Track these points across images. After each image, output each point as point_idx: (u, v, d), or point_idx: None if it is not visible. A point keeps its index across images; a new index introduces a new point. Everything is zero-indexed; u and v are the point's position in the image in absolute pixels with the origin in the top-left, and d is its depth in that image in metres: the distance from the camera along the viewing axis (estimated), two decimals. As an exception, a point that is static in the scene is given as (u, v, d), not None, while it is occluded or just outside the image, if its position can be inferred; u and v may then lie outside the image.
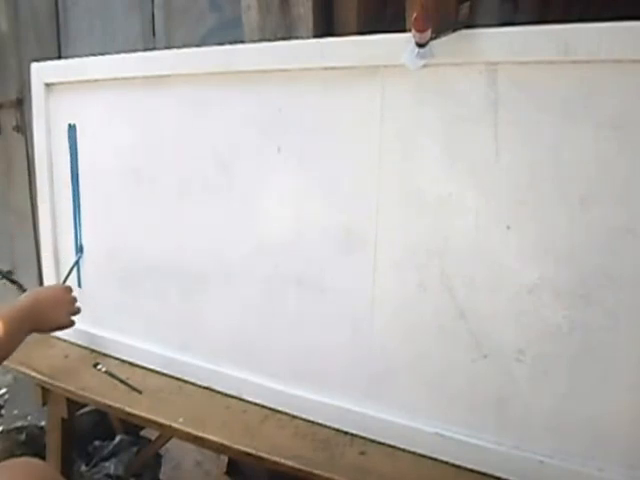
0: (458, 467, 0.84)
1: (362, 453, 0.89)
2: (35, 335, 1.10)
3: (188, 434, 0.96)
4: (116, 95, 1.11)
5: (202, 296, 1.07)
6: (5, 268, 2.62)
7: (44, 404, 1.22)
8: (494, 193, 0.78)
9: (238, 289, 1.02)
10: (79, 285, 1.24)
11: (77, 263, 1.23)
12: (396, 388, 0.89)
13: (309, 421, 0.96)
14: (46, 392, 1.20)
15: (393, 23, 0.95)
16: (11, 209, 2.50)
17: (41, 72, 1.22)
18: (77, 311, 1.12)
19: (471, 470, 0.83)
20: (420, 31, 0.71)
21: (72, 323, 1.11)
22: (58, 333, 1.27)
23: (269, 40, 1.04)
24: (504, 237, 0.78)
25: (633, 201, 0.70)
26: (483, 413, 0.83)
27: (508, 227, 0.78)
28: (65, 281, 1.21)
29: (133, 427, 1.59)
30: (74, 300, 1.12)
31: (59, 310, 1.07)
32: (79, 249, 1.23)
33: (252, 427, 0.96)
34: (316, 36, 1.10)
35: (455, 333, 0.83)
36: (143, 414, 1.01)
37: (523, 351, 0.79)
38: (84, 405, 1.23)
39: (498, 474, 0.81)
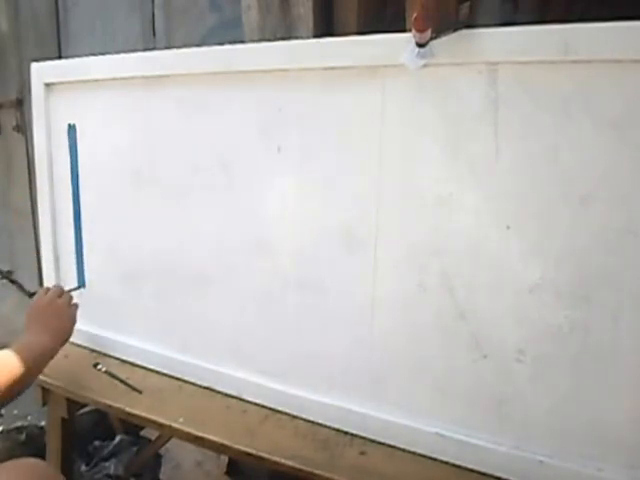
0: (458, 467, 0.84)
1: (362, 453, 0.89)
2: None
3: (188, 434, 0.96)
4: (116, 95, 1.11)
5: (202, 296, 1.07)
6: (5, 268, 2.63)
7: (44, 404, 1.22)
8: (494, 193, 0.78)
9: (238, 289, 1.02)
10: (83, 284, 1.24)
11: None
12: (396, 388, 0.89)
13: (309, 421, 0.96)
14: (46, 392, 1.19)
15: (393, 23, 0.95)
16: (11, 209, 2.50)
17: (41, 72, 1.21)
18: (76, 307, 1.10)
19: (471, 470, 0.83)
20: (420, 31, 0.71)
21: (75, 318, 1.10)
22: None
23: (269, 40, 1.04)
24: (504, 237, 0.78)
25: (634, 201, 0.70)
26: (483, 413, 0.83)
27: (508, 227, 0.77)
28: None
29: (133, 427, 1.59)
30: (70, 299, 1.10)
31: (67, 320, 1.06)
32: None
33: (252, 427, 0.96)
34: (316, 36, 1.10)
35: (455, 333, 0.83)
36: (143, 414, 1.01)
37: (523, 351, 0.79)
38: (84, 405, 1.23)
39: (498, 474, 0.81)
